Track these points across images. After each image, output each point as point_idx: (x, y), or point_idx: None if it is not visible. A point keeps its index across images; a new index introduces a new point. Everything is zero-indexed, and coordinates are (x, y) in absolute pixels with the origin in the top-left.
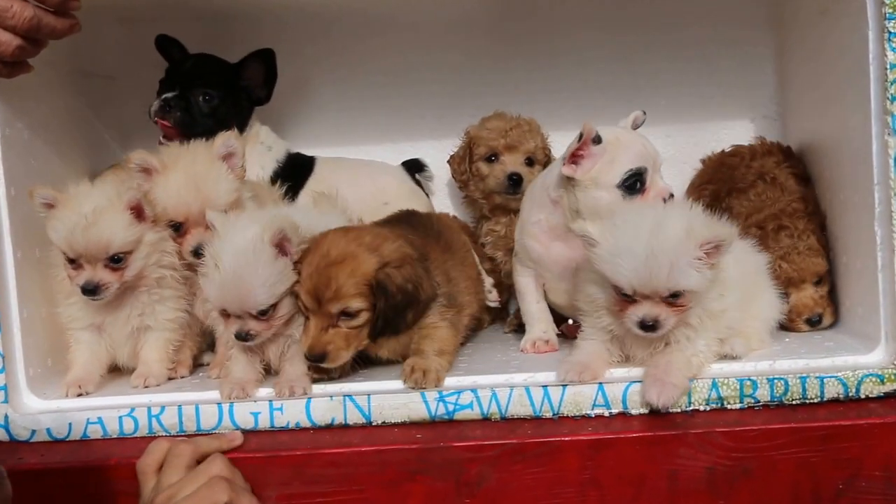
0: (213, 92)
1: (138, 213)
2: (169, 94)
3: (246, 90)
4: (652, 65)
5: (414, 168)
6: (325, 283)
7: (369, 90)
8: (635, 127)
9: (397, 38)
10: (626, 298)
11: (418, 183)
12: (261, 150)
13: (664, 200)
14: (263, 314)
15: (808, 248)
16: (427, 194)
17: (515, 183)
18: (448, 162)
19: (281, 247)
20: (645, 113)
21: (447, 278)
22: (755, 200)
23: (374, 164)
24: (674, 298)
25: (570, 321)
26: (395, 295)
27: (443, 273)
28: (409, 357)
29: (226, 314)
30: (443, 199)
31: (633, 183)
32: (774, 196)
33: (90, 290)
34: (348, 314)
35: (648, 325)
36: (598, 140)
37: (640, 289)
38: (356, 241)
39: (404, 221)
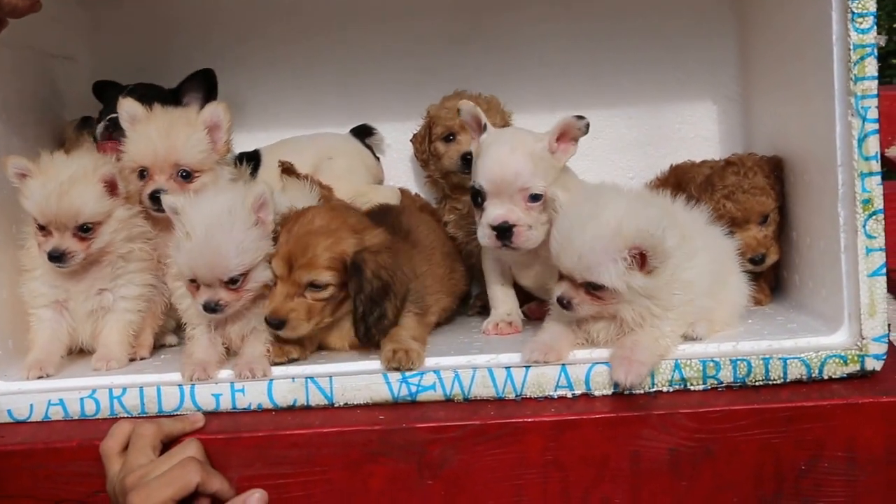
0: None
1: (111, 187)
2: (113, 115)
3: None
4: (613, 46)
5: (362, 133)
6: (301, 249)
7: (331, 75)
8: (572, 136)
9: (359, 20)
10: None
11: (368, 147)
12: None
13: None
14: (234, 283)
15: (754, 187)
16: (377, 157)
17: (469, 163)
18: (411, 141)
19: (258, 215)
20: (582, 118)
21: (414, 274)
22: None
23: (317, 134)
24: (593, 289)
25: (535, 303)
26: (370, 280)
27: (409, 269)
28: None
29: (195, 285)
30: (408, 179)
31: (475, 196)
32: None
33: (56, 257)
34: (316, 286)
35: (563, 303)
36: (484, 127)
37: (560, 268)
38: (340, 218)
39: (375, 217)
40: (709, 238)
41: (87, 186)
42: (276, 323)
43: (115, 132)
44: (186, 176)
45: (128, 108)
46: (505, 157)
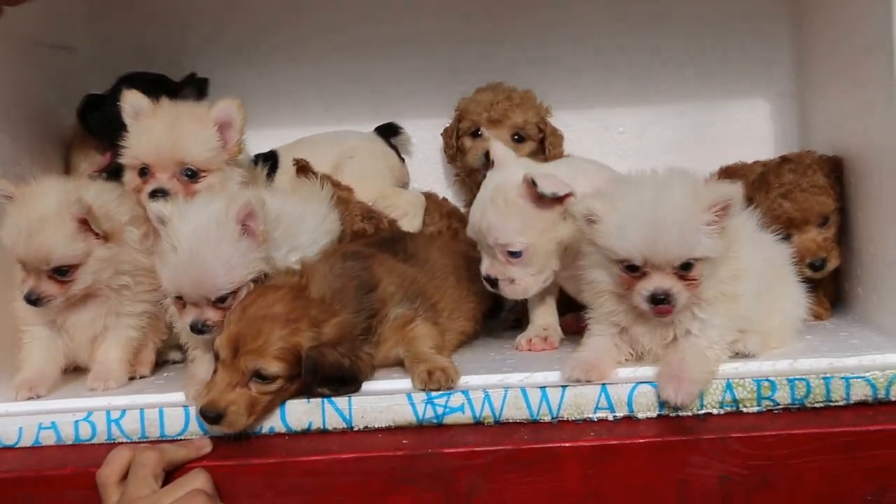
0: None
1: (86, 225)
2: (94, 93)
3: None
4: (659, 38)
5: (388, 132)
6: (254, 334)
7: (352, 65)
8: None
9: (383, 7)
10: (633, 274)
11: (393, 147)
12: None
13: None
14: (222, 301)
15: (813, 186)
16: (402, 158)
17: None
18: (441, 134)
19: (246, 226)
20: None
21: (401, 281)
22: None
23: (339, 132)
24: (685, 270)
25: (571, 315)
26: (326, 370)
27: (398, 276)
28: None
29: (181, 302)
30: (436, 181)
31: None
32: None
33: (32, 301)
34: (262, 377)
35: (660, 299)
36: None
37: (651, 257)
38: (302, 309)
39: (383, 243)
40: (758, 242)
41: (58, 227)
42: (211, 416)
43: (84, 108)
44: (192, 175)
45: (132, 100)
46: (482, 208)
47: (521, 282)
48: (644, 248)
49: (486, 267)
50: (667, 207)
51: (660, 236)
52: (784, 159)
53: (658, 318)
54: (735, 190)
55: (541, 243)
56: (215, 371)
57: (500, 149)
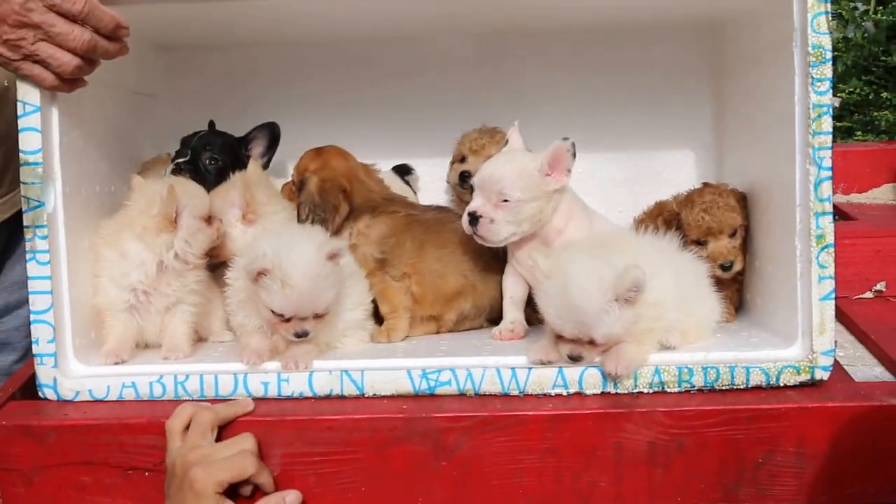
0: (217, 157)
1: None
2: (181, 160)
3: (247, 158)
4: (607, 102)
5: (402, 172)
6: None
7: (374, 115)
8: (566, 164)
9: (399, 76)
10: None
11: (408, 184)
12: None
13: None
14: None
15: (727, 205)
16: (416, 195)
17: (464, 179)
18: None
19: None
20: (567, 139)
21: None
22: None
23: None
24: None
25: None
26: (309, 195)
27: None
28: None
29: (284, 319)
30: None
31: (471, 189)
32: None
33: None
34: None
35: (573, 359)
36: (506, 142)
37: (563, 334)
38: (327, 153)
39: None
40: (679, 261)
41: None
42: None
43: (179, 174)
44: None
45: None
46: (496, 164)
47: (498, 225)
48: (557, 327)
49: (476, 205)
50: (571, 297)
51: (567, 321)
52: (705, 185)
53: None
54: (638, 278)
55: (529, 205)
56: None
57: (515, 137)
